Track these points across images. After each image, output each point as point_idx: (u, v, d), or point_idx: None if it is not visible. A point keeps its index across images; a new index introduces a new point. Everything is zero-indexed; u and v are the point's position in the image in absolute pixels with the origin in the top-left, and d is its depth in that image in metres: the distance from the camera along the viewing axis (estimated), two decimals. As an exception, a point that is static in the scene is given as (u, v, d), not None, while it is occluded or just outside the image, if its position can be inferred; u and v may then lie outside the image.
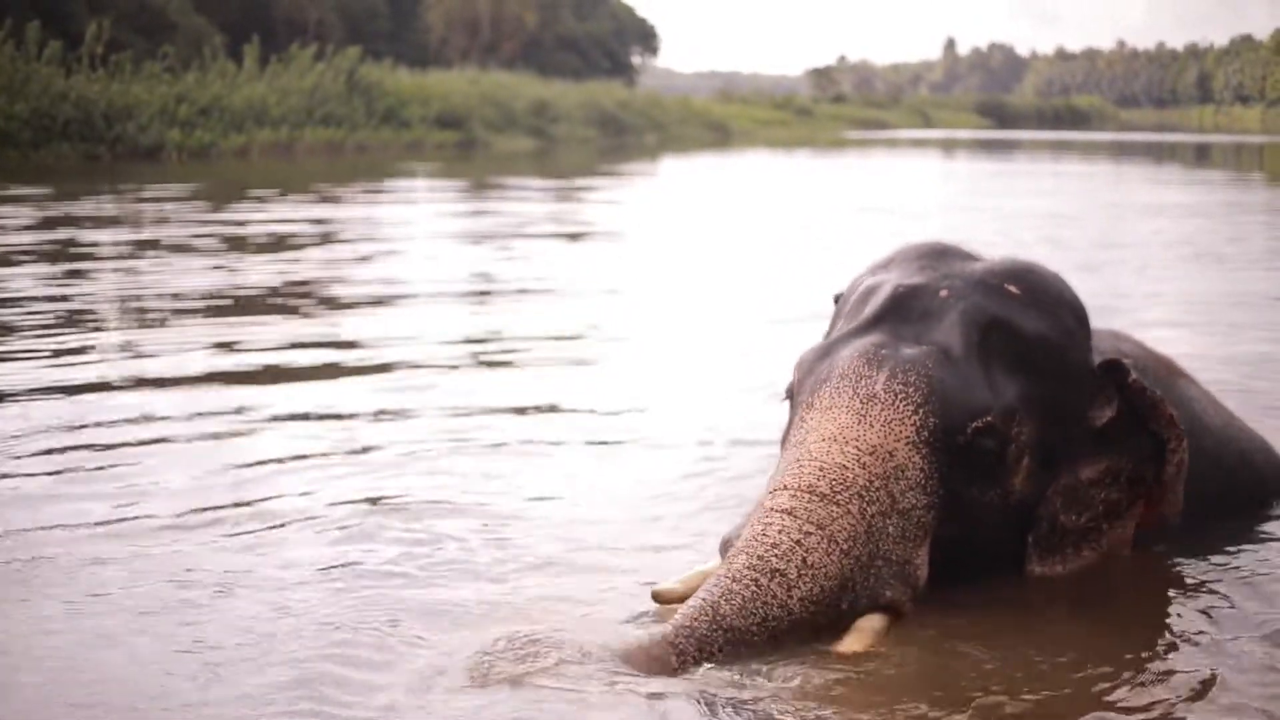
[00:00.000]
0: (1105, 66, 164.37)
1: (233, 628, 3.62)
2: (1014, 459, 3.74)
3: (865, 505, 3.52)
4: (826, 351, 3.85)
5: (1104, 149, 53.33)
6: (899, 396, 3.62)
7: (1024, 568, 3.86)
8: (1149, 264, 12.85)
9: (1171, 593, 3.98)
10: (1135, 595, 3.98)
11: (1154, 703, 3.27)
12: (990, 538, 3.78)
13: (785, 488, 3.59)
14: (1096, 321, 4.08)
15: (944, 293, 3.84)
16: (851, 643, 3.44)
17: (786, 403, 3.97)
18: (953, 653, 3.53)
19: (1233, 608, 3.84)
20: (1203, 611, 3.81)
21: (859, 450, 3.58)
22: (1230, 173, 35.45)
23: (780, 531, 3.50)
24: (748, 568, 3.45)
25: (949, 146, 55.81)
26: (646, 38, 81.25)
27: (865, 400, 3.64)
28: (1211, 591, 3.96)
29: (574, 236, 15.30)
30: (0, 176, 21.48)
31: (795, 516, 3.51)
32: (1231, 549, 4.28)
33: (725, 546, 3.70)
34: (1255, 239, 16.18)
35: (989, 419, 3.64)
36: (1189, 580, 4.04)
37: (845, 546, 3.48)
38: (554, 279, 11.32)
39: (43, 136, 27.71)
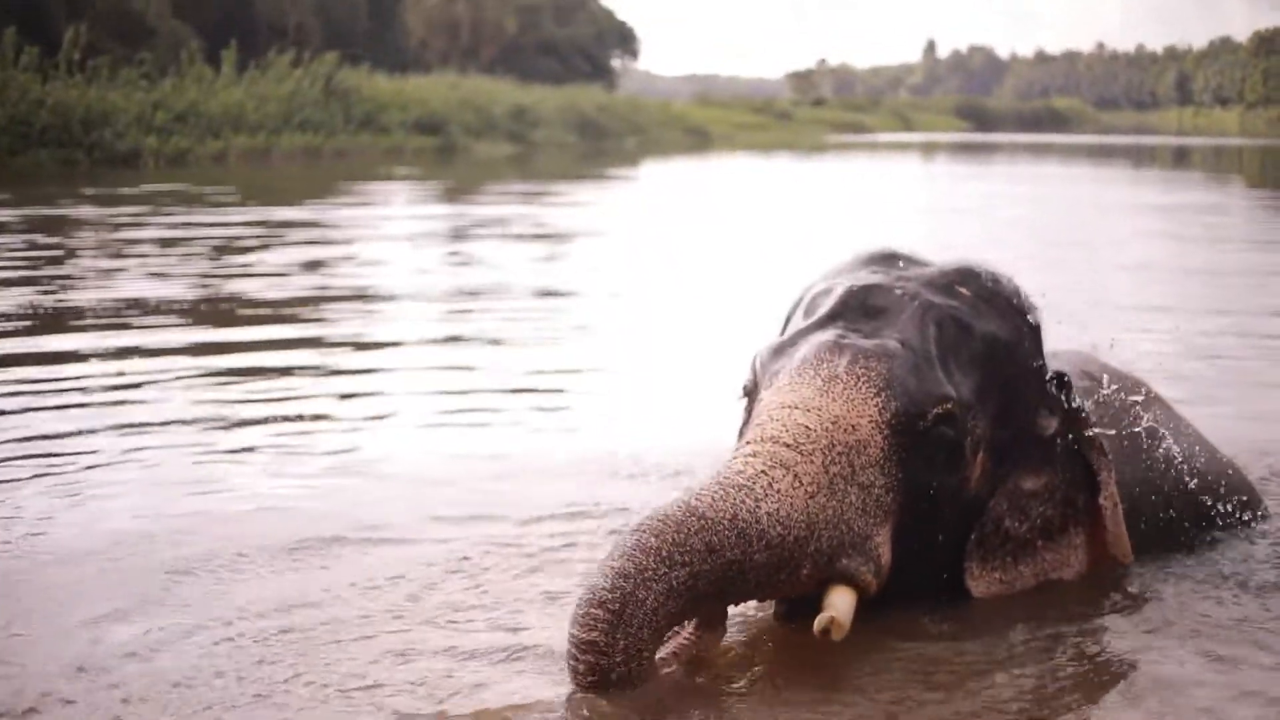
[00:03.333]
0: (1085, 69, 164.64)
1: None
2: (970, 451, 3.77)
3: (828, 462, 3.53)
4: (783, 347, 3.86)
5: (1082, 152, 53.45)
6: (861, 379, 3.63)
7: (964, 575, 3.85)
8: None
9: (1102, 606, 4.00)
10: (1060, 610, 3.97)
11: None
12: (948, 537, 3.79)
13: (748, 442, 3.60)
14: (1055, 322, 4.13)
15: (898, 291, 3.87)
16: (824, 619, 3.43)
17: (744, 400, 3.98)
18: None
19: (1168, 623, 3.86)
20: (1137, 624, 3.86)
21: (821, 418, 3.59)
22: (1209, 176, 35.55)
23: (745, 464, 3.52)
24: (715, 483, 3.47)
25: (929, 150, 55.94)
26: (626, 41, 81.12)
27: (828, 380, 3.65)
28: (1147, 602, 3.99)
29: (543, 239, 15.32)
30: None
31: (759, 457, 3.52)
32: (1180, 571, 4.29)
33: None
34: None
35: (949, 406, 3.67)
36: (1127, 605, 4.03)
37: (810, 489, 3.49)
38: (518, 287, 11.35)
39: (20, 143, 27.54)
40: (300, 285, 11.34)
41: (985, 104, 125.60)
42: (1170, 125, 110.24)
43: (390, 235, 16.28)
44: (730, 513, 3.36)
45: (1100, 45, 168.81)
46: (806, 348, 3.76)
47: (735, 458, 3.56)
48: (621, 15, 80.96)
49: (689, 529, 3.30)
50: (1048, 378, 4.00)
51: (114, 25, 39.04)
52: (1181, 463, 4.54)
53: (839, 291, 3.92)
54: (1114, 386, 4.49)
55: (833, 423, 3.57)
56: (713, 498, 3.38)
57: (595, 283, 12.22)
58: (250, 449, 5.97)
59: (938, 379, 3.69)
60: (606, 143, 49.73)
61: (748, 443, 3.60)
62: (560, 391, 7.44)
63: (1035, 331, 4.02)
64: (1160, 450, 4.48)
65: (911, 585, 3.75)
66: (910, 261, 4.13)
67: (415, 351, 8.69)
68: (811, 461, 3.51)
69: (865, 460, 3.57)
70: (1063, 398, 4.00)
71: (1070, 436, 4.02)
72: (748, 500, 3.40)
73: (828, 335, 3.77)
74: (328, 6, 56.47)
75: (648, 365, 8.29)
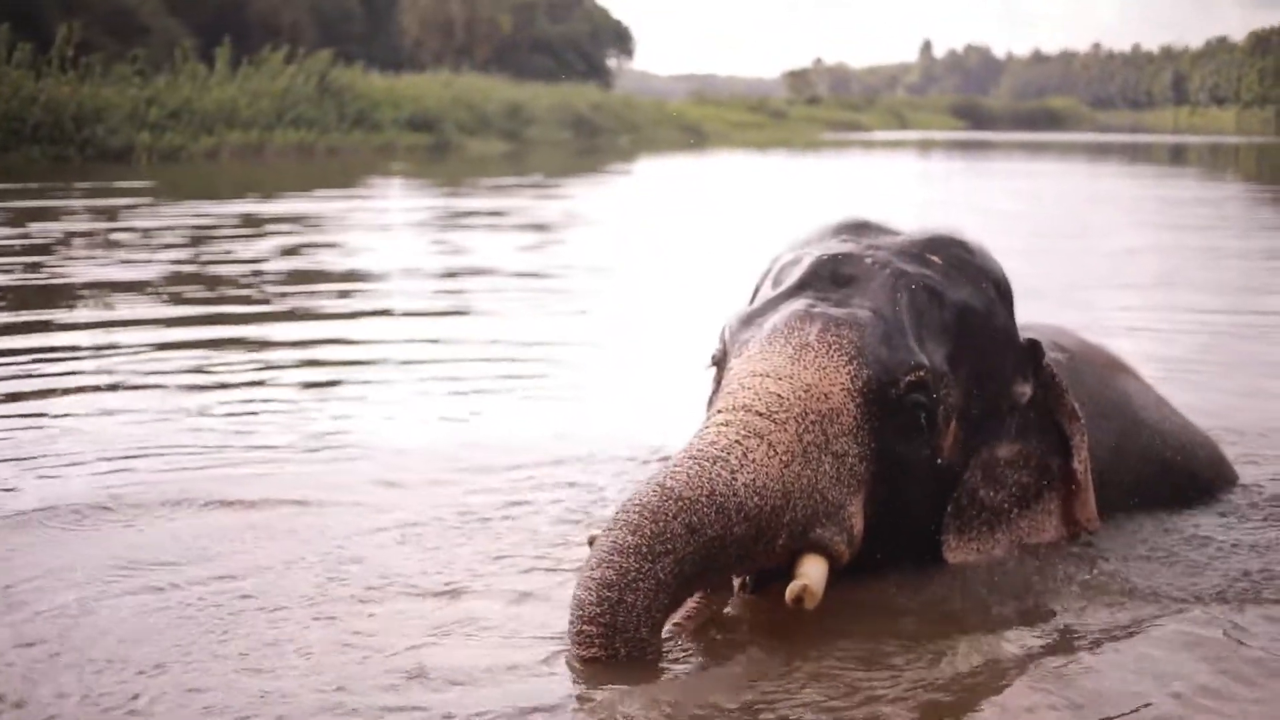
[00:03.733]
0: (1081, 68, 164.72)
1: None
2: (943, 420, 3.73)
3: (801, 430, 3.49)
4: (753, 317, 3.83)
5: (1079, 149, 53.49)
6: (833, 347, 3.60)
7: (941, 546, 3.82)
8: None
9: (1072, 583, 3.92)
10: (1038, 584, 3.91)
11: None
12: (921, 507, 3.76)
13: (719, 411, 3.56)
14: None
15: (868, 260, 3.84)
16: (796, 588, 3.39)
17: (712, 370, 3.94)
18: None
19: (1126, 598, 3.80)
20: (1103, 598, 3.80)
21: (793, 385, 3.55)
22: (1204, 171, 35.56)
23: (719, 434, 3.48)
24: (688, 458, 3.42)
25: (925, 147, 55.96)
26: (622, 40, 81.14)
27: (799, 348, 3.61)
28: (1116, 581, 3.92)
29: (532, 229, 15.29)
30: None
31: (732, 426, 3.48)
32: (1149, 538, 4.25)
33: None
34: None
35: (922, 374, 3.63)
36: (1098, 571, 3.98)
37: (784, 458, 3.45)
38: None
39: (12, 140, 27.51)
40: (281, 268, 11.33)
41: (982, 103, 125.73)
42: (1166, 124, 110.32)
43: (377, 225, 16.25)
44: (708, 488, 3.31)
45: (1096, 45, 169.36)
46: (777, 317, 3.73)
47: (707, 427, 3.52)
48: (617, 14, 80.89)
49: (667, 514, 3.25)
50: (1020, 345, 3.98)
51: (107, 22, 39.02)
52: (1154, 430, 4.55)
53: (808, 261, 3.89)
54: (1083, 357, 4.50)
55: (805, 390, 3.53)
56: (688, 474, 3.34)
57: (580, 263, 12.26)
58: (210, 414, 6.03)
59: (909, 347, 3.65)
60: (601, 140, 49.68)
61: (719, 411, 3.55)
62: (535, 362, 7.49)
63: (1007, 299, 4.01)
64: (1134, 417, 4.49)
65: (885, 554, 3.71)
66: (881, 230, 4.11)
67: (389, 325, 8.79)
68: (785, 430, 3.47)
69: (838, 429, 3.53)
70: (1035, 365, 3.99)
71: (1044, 403, 4.01)
72: (723, 472, 3.35)
73: (798, 304, 3.74)
74: (322, 6, 56.50)
75: (626, 341, 8.34)
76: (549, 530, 4.37)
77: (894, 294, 3.74)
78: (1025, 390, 3.95)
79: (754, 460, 3.40)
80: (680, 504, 3.27)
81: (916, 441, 3.67)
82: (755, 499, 3.36)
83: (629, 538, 3.22)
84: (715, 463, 3.36)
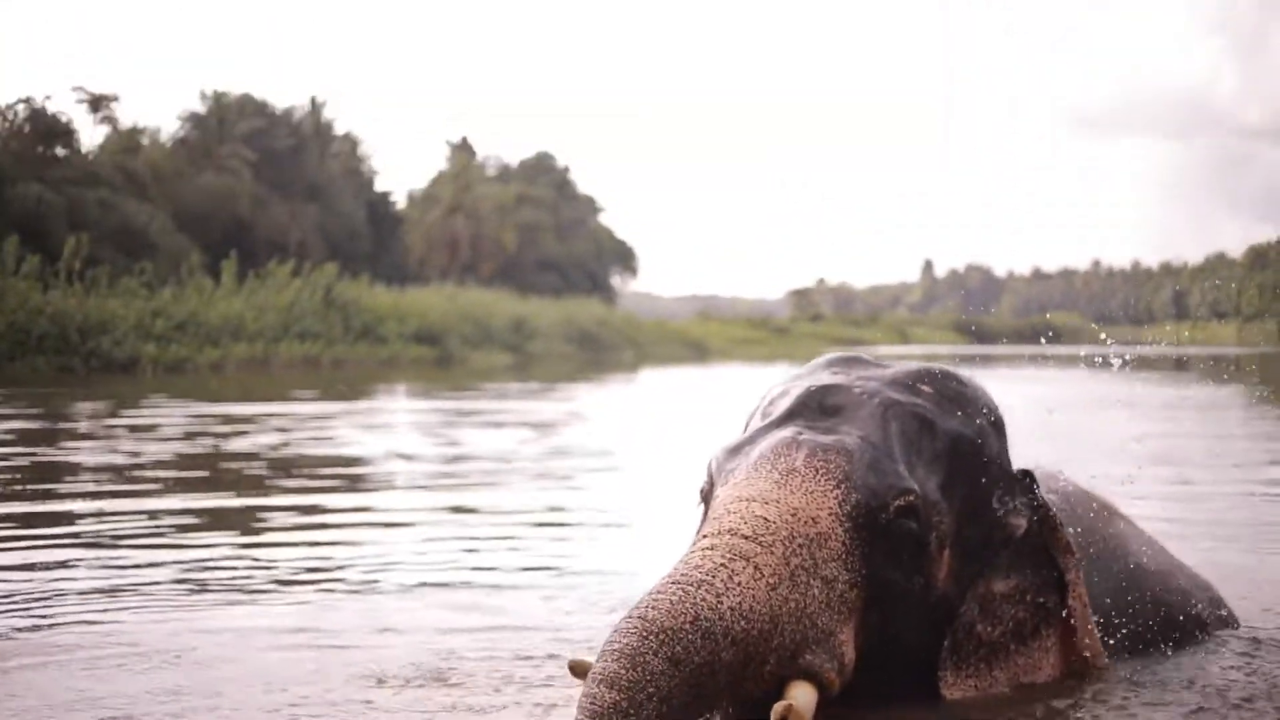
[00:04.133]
0: (1082, 285, 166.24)
1: None
2: (936, 548, 3.63)
3: (789, 554, 3.40)
4: (739, 447, 3.77)
5: (1081, 360, 53.77)
6: (820, 471, 3.53)
7: (939, 682, 3.69)
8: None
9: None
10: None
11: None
12: (914, 636, 3.63)
13: (704, 536, 3.47)
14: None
15: (857, 390, 3.80)
16: (781, 708, 3.24)
17: (701, 507, 3.84)
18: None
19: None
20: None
21: (780, 509, 3.47)
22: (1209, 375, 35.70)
23: (703, 558, 3.38)
24: (672, 583, 3.31)
25: (927, 360, 56.15)
26: (626, 259, 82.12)
27: (785, 473, 3.54)
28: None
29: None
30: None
31: (717, 550, 3.39)
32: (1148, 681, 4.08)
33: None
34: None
35: (911, 499, 3.54)
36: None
37: (771, 581, 3.35)
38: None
39: (17, 350, 27.73)
40: (280, 455, 11.26)
41: (983, 320, 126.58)
42: (1168, 339, 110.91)
43: (376, 424, 16.20)
44: (691, 614, 3.21)
45: (1096, 262, 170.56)
46: (763, 444, 3.67)
47: (692, 552, 3.42)
48: (621, 234, 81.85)
49: (647, 653, 3.15)
50: (1013, 476, 3.89)
51: (115, 238, 39.58)
52: (1153, 572, 4.46)
53: (796, 392, 3.86)
54: (1079, 499, 4.43)
55: (792, 514, 3.45)
56: (670, 601, 3.24)
57: (583, 448, 12.18)
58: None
59: (898, 472, 3.58)
60: (605, 354, 50.04)
61: (704, 536, 3.47)
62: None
63: (999, 431, 3.94)
64: (1131, 558, 4.40)
65: (879, 684, 3.59)
66: (872, 364, 4.07)
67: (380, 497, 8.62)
68: (772, 553, 3.38)
69: (827, 554, 3.44)
70: (1029, 497, 3.89)
71: (1039, 535, 3.89)
72: (708, 597, 3.25)
73: (785, 432, 3.68)
74: (328, 225, 57.38)
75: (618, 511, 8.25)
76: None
77: (883, 421, 3.69)
78: (1020, 522, 3.84)
79: (740, 583, 3.30)
80: (661, 638, 3.16)
81: (908, 568, 3.57)
82: (742, 623, 3.25)
83: (608, 694, 3.12)
84: (700, 587, 3.27)
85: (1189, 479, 9.68)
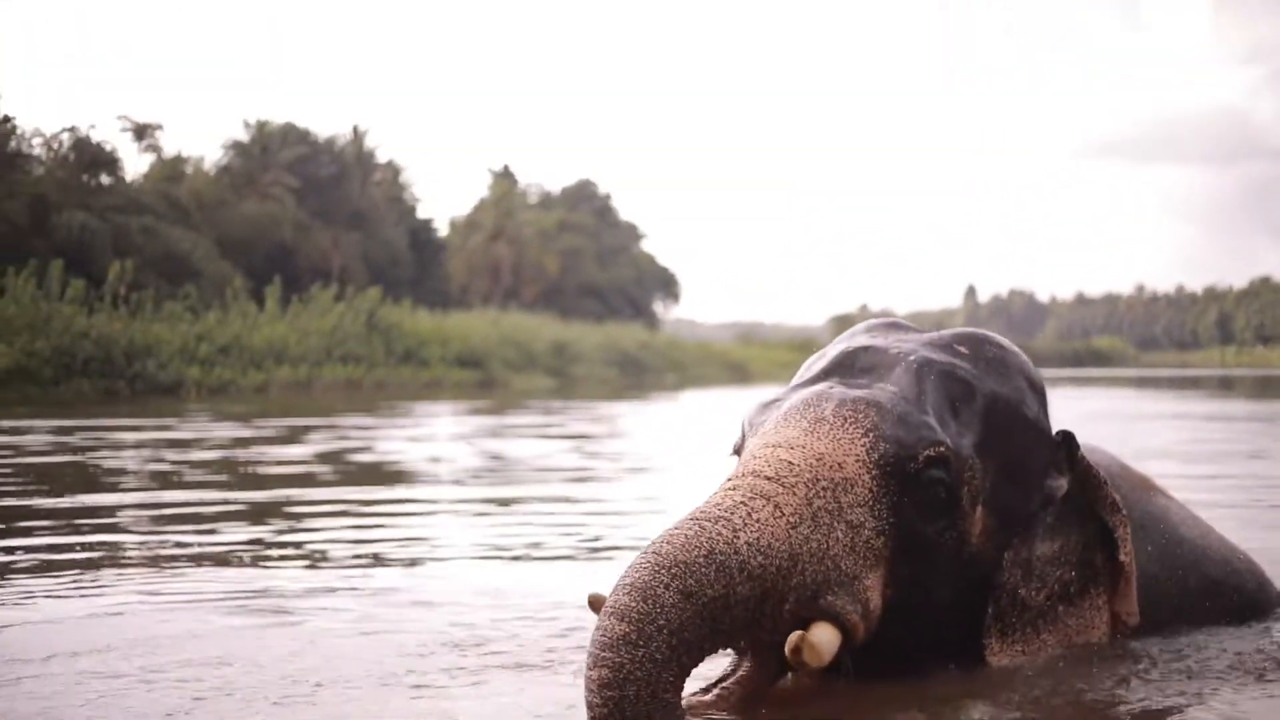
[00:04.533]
0: (1125, 310, 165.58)
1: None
2: (968, 502, 3.58)
3: (811, 494, 3.38)
4: (772, 402, 3.78)
5: (1126, 382, 53.58)
6: (849, 420, 3.52)
7: (983, 650, 3.65)
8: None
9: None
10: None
11: None
12: (945, 592, 3.58)
13: (728, 479, 3.46)
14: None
15: (893, 351, 3.79)
16: (796, 637, 3.23)
17: (734, 458, 3.82)
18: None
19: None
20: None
21: (805, 454, 3.46)
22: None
23: (724, 497, 3.36)
24: (689, 519, 3.28)
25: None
26: (668, 285, 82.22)
27: (813, 421, 3.53)
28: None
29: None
30: (21, 410, 21.51)
31: (739, 490, 3.37)
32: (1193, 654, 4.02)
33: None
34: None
35: (941, 449, 3.51)
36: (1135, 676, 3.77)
37: (791, 519, 3.32)
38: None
39: (63, 373, 27.85)
40: (325, 462, 11.31)
41: (1027, 345, 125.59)
42: (1213, 363, 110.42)
43: (417, 436, 16.24)
44: (706, 548, 3.18)
45: (1140, 287, 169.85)
46: (795, 397, 3.67)
47: (714, 493, 3.41)
48: (663, 261, 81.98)
49: (658, 586, 3.11)
50: (1052, 438, 3.84)
51: (159, 264, 39.84)
52: (1197, 545, 4.39)
53: (833, 353, 3.89)
54: (1124, 474, 4.35)
55: (817, 459, 3.44)
56: (685, 535, 3.20)
57: (625, 453, 12.19)
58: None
59: (928, 424, 3.55)
60: (646, 377, 50.03)
61: (728, 479, 3.46)
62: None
63: (1039, 394, 3.90)
64: (1175, 533, 4.33)
65: (917, 651, 3.58)
66: (910, 329, 4.06)
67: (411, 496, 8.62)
68: (794, 493, 3.36)
69: (853, 499, 3.41)
70: (1070, 457, 3.84)
71: (1082, 497, 3.84)
72: (724, 531, 3.23)
73: (817, 386, 3.69)
74: (371, 252, 57.64)
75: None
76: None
77: (917, 378, 3.67)
78: (1060, 484, 3.79)
79: (758, 520, 3.28)
80: (674, 571, 3.12)
81: (939, 522, 3.53)
82: (759, 558, 3.23)
83: (618, 626, 3.07)
84: (717, 522, 3.24)
85: (1234, 472, 9.57)
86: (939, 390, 3.65)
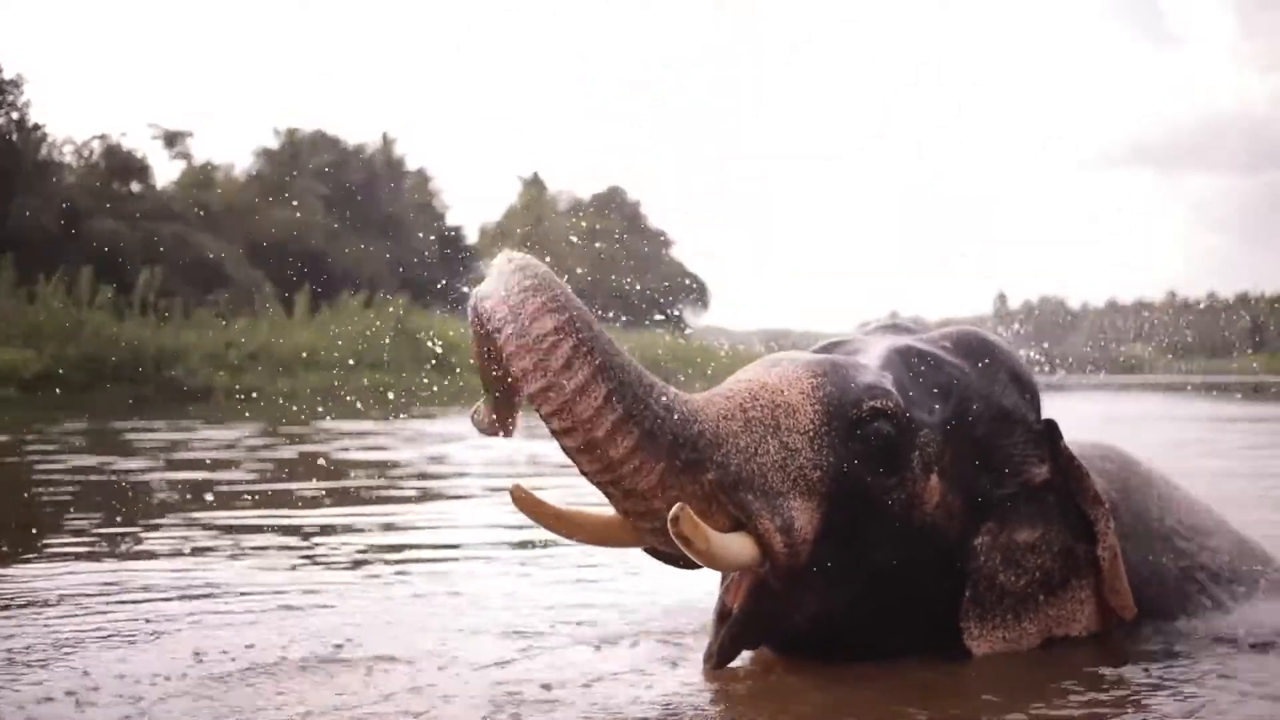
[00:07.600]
0: (1157, 317, 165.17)
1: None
2: (920, 466, 3.60)
3: (746, 404, 3.49)
4: None
5: (1158, 387, 53.50)
6: (802, 366, 3.62)
7: (962, 636, 3.68)
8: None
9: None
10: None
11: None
12: (885, 557, 3.58)
13: None
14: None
15: (879, 341, 3.93)
16: (679, 507, 3.25)
17: None
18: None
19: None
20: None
21: (751, 381, 3.57)
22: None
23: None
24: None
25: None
26: (698, 292, 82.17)
27: (769, 365, 3.66)
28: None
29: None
30: (48, 415, 21.60)
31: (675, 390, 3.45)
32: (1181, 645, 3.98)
33: None
34: None
35: (887, 403, 3.56)
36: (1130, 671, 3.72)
37: (723, 411, 3.44)
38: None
39: (93, 379, 27.96)
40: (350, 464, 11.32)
41: (1058, 352, 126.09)
42: (1246, 369, 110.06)
43: (449, 433, 16.26)
44: (636, 374, 3.35)
45: (1172, 294, 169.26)
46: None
47: None
48: (693, 268, 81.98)
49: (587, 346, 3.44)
50: (1033, 426, 3.85)
51: (189, 271, 39.98)
52: (1224, 535, 4.44)
53: (817, 346, 3.99)
54: (1130, 464, 4.39)
55: (761, 385, 3.55)
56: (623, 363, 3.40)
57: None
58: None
59: (881, 381, 3.62)
60: (677, 383, 49.89)
61: None
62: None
63: (1023, 385, 3.92)
64: (1202, 518, 4.40)
65: (886, 634, 3.66)
66: (907, 330, 4.11)
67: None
68: (729, 399, 3.49)
69: (792, 424, 3.51)
70: (1052, 447, 3.86)
71: (1065, 487, 3.85)
72: (658, 385, 3.35)
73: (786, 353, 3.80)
74: (401, 260, 57.72)
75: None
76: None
77: (889, 355, 3.78)
78: (1040, 471, 3.81)
79: (690, 400, 3.42)
80: (606, 373, 3.34)
81: (886, 479, 3.55)
82: (683, 407, 3.35)
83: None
84: (644, 377, 3.36)
85: (1251, 467, 9.58)
86: (908, 367, 3.75)
